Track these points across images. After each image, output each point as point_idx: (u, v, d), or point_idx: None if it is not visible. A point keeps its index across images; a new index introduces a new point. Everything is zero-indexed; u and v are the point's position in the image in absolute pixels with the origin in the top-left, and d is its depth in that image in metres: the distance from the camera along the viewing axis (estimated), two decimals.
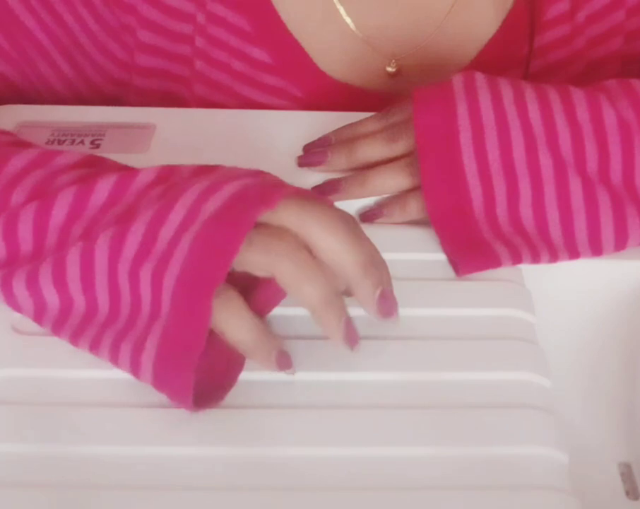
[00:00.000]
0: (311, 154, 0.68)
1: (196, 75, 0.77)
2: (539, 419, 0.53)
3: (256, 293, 0.54)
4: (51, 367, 0.55)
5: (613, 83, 0.65)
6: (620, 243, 0.62)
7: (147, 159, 0.68)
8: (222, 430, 0.52)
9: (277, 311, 0.56)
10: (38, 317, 0.56)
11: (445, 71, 0.77)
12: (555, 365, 0.57)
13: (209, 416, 0.52)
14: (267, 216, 0.52)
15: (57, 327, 0.55)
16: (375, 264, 0.53)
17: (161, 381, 0.52)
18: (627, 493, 0.61)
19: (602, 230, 0.62)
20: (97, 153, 0.68)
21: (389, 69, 0.78)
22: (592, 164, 0.62)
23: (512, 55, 0.78)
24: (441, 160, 0.63)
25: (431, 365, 0.55)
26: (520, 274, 0.61)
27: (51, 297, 0.55)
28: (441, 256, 0.62)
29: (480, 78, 0.65)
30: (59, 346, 0.55)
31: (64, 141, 0.70)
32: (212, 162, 0.66)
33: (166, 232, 0.52)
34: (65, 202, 0.56)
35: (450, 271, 0.61)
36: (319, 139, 0.69)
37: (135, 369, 0.52)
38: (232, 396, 0.53)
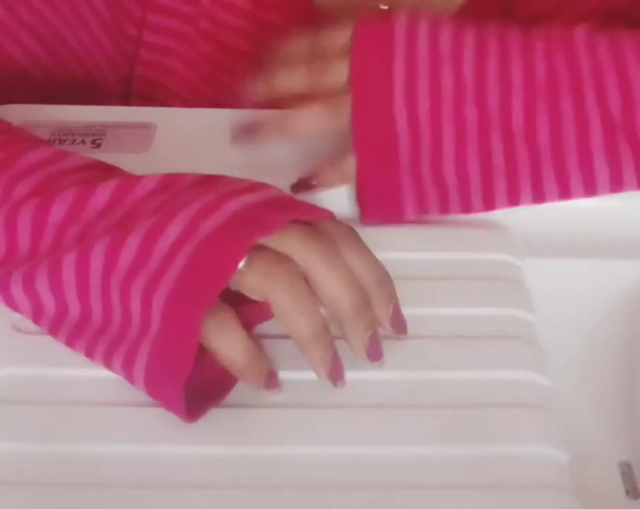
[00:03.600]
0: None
1: (202, 12, 0.80)
2: (539, 418, 0.53)
3: (248, 306, 0.54)
4: (51, 366, 0.55)
5: (556, 32, 0.65)
6: (537, 201, 0.63)
7: (148, 159, 0.68)
8: (222, 429, 0.52)
9: None
10: (36, 318, 0.56)
11: (435, 11, 0.78)
12: (555, 365, 0.57)
13: (209, 416, 0.52)
14: (269, 240, 0.52)
15: (54, 329, 0.55)
16: (367, 306, 0.53)
17: (153, 393, 0.52)
18: (627, 492, 0.61)
19: (522, 192, 0.63)
20: (98, 152, 0.68)
21: (382, 6, 0.78)
22: (517, 121, 0.63)
23: (501, 5, 0.79)
24: (373, 111, 0.63)
25: (430, 365, 0.55)
26: (520, 273, 0.61)
27: (48, 300, 0.55)
28: (441, 256, 0.62)
29: (423, 25, 0.65)
30: (60, 345, 0.55)
31: (65, 141, 0.70)
32: (212, 162, 0.66)
33: (161, 248, 0.52)
34: (64, 202, 0.56)
35: (450, 271, 0.61)
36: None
37: (128, 378, 0.53)
38: (232, 395, 0.53)
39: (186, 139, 0.71)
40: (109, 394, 0.53)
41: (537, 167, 0.63)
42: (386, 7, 0.78)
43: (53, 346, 0.55)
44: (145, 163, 0.67)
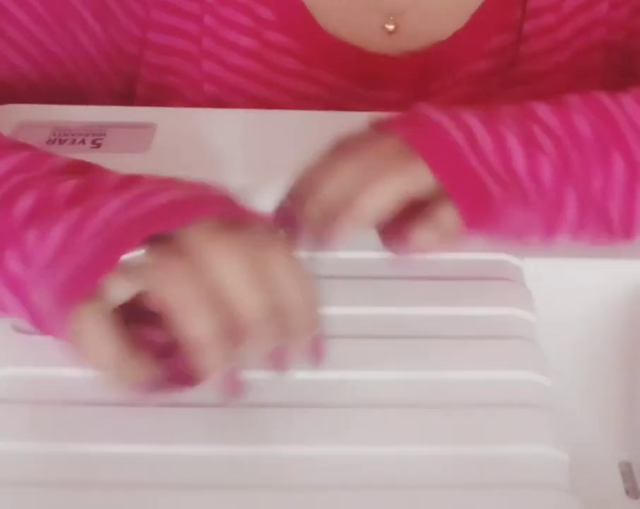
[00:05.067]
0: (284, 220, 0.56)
1: (205, 30, 0.79)
2: (539, 418, 0.53)
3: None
4: (51, 365, 0.55)
5: (576, 96, 0.62)
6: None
7: (148, 159, 0.68)
8: (222, 429, 0.52)
9: None
10: None
11: (440, 31, 0.79)
12: (555, 364, 0.57)
13: (209, 416, 0.52)
14: (179, 232, 0.49)
15: None
16: (273, 315, 0.49)
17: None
18: (627, 492, 0.61)
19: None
20: (98, 152, 0.68)
21: (388, 27, 0.79)
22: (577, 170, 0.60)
23: (505, 18, 0.79)
24: (453, 166, 0.57)
25: (431, 365, 0.55)
26: (520, 273, 0.61)
27: None
28: (441, 256, 0.62)
29: (451, 109, 0.61)
30: (60, 344, 0.55)
31: (65, 141, 0.70)
32: (212, 162, 0.66)
33: (86, 235, 0.51)
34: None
35: (450, 271, 0.61)
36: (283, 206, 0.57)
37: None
38: None
39: (186, 139, 0.71)
40: (110, 394, 0.53)
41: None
42: (391, 26, 0.79)
43: (53, 345, 0.55)
44: (145, 163, 0.67)
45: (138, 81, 0.81)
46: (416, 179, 0.56)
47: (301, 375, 0.54)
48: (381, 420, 0.52)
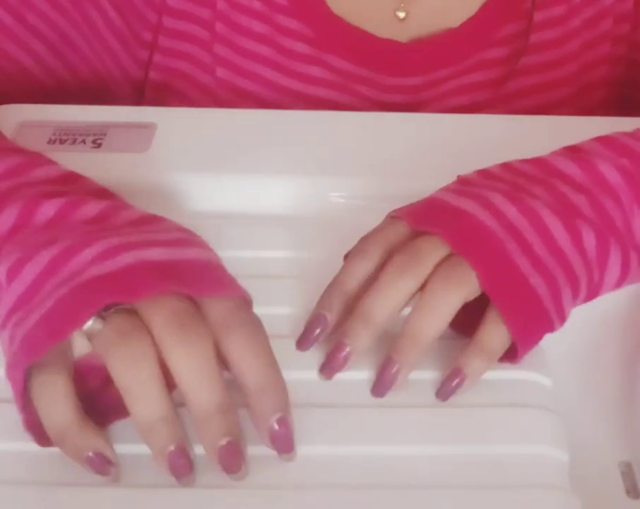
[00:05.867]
0: (329, 362, 0.54)
1: (218, 14, 0.79)
2: (539, 418, 0.53)
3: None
4: None
5: (598, 144, 0.60)
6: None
7: (148, 159, 0.68)
8: None
9: (281, 310, 0.56)
10: None
11: (451, 19, 0.79)
12: (555, 364, 0.57)
13: None
14: (142, 304, 0.49)
15: None
16: (229, 406, 0.49)
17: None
18: (628, 492, 0.61)
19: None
20: (99, 152, 0.68)
21: (399, 14, 0.79)
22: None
23: (516, 7, 0.80)
24: (499, 268, 0.54)
25: (431, 365, 0.55)
26: None
27: None
28: None
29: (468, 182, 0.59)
30: None
31: (66, 141, 0.70)
32: (212, 162, 0.66)
33: (49, 286, 0.50)
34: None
35: None
36: (313, 322, 0.55)
37: None
38: (232, 397, 0.53)
39: (186, 139, 0.71)
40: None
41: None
42: (403, 14, 0.79)
43: None
44: (145, 163, 0.67)
45: (151, 67, 0.81)
46: (471, 290, 0.54)
47: (301, 375, 0.54)
48: (380, 420, 0.52)
